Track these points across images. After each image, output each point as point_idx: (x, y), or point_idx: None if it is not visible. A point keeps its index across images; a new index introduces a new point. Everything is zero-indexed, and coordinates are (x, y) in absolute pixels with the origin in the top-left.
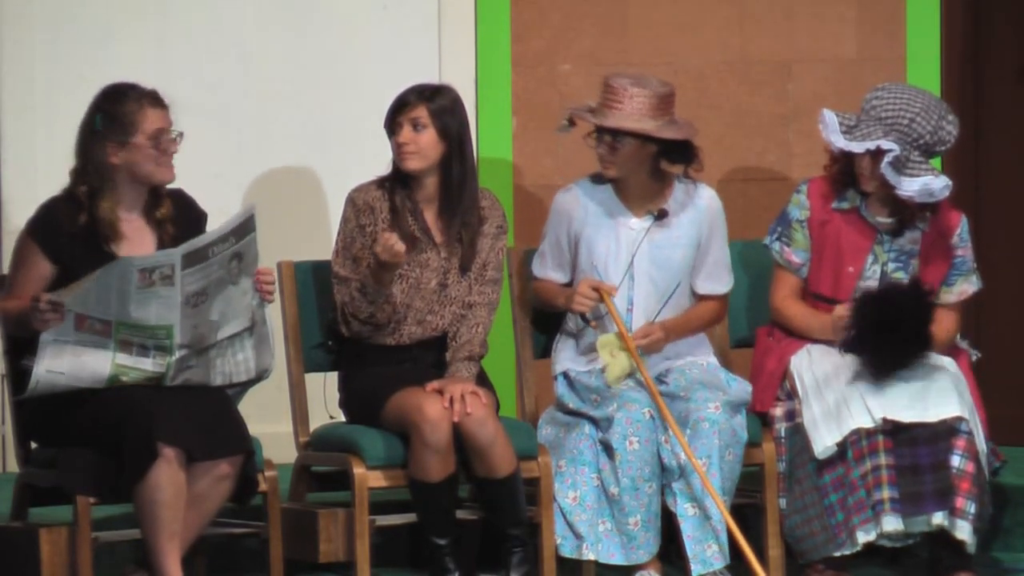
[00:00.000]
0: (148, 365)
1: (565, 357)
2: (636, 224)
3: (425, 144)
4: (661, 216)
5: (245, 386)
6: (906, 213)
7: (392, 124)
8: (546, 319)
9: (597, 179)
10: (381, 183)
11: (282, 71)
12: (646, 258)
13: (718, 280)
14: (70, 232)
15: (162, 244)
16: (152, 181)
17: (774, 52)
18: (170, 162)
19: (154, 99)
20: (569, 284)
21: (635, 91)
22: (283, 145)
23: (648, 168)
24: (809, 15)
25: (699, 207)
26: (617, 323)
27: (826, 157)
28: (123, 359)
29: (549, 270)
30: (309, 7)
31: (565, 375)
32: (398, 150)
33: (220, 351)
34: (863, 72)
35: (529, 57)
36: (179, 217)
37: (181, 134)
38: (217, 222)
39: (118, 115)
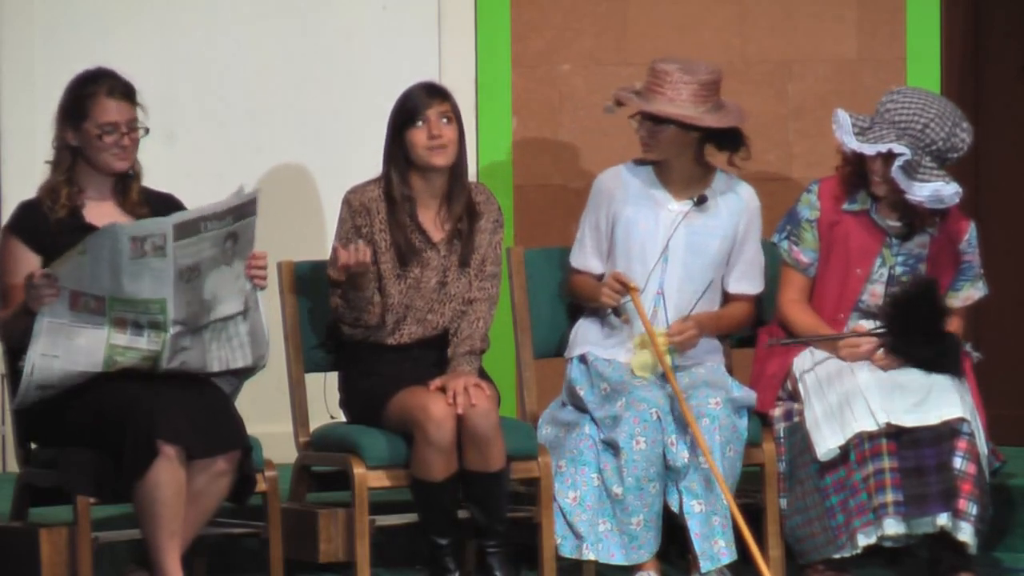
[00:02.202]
0: (143, 343)
1: (587, 339)
2: (675, 207)
3: (453, 138)
4: (701, 201)
5: (242, 376)
6: (916, 217)
7: (416, 118)
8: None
9: (640, 162)
10: (378, 183)
11: (282, 71)
12: (682, 243)
13: (751, 280)
14: (49, 222)
15: None
16: (102, 169)
17: (774, 52)
18: (124, 153)
19: (117, 91)
20: (603, 275)
21: (679, 76)
22: (283, 145)
23: (692, 154)
24: (809, 15)
25: (740, 201)
26: (643, 319)
27: (837, 158)
28: (118, 339)
29: (589, 257)
30: (309, 7)
31: (582, 358)
32: (430, 144)
33: (214, 334)
34: (863, 72)
35: (529, 57)
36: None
37: (146, 130)
38: None
39: (77, 98)
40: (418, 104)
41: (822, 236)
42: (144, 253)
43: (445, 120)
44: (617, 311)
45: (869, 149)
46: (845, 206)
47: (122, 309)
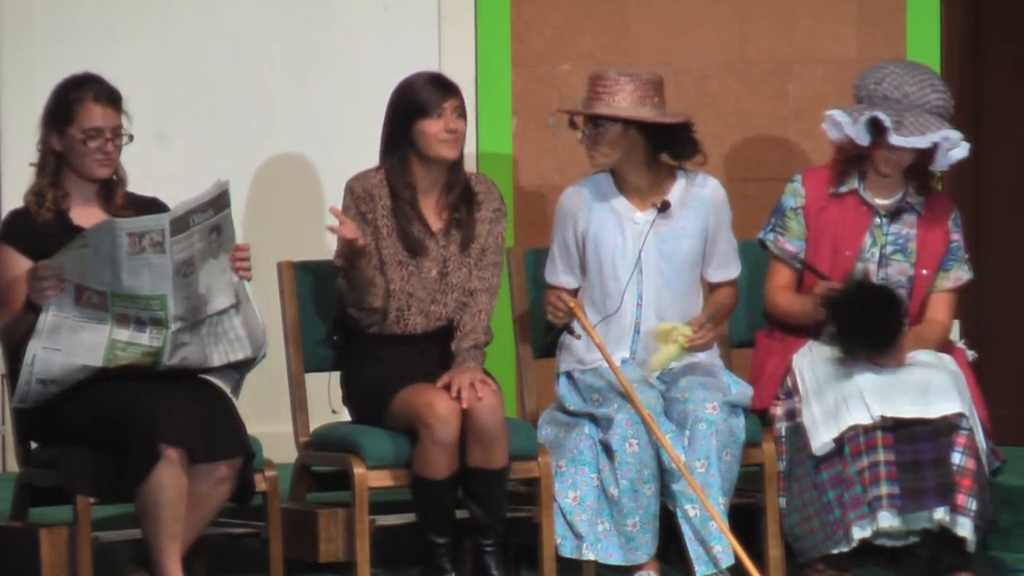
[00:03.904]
0: (145, 340)
1: (570, 357)
2: (641, 218)
3: (464, 131)
4: (664, 208)
5: (243, 368)
6: (927, 181)
7: (431, 111)
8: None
9: (597, 177)
10: (378, 170)
11: (282, 71)
12: (653, 251)
13: (729, 267)
14: (39, 226)
15: None
16: (85, 175)
17: (774, 52)
18: (107, 160)
19: (103, 96)
20: (578, 288)
21: (615, 78)
22: (283, 145)
23: (641, 158)
24: (809, 15)
25: (703, 198)
26: (592, 336)
27: (830, 149)
28: (120, 334)
29: (560, 275)
30: (309, 7)
31: (568, 375)
32: (446, 136)
33: (211, 328)
34: None
35: (529, 57)
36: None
37: (130, 137)
38: None
39: (62, 103)
40: (434, 96)
41: (809, 223)
42: (143, 249)
43: (458, 114)
44: (569, 328)
45: (923, 142)
46: (832, 190)
47: (123, 305)
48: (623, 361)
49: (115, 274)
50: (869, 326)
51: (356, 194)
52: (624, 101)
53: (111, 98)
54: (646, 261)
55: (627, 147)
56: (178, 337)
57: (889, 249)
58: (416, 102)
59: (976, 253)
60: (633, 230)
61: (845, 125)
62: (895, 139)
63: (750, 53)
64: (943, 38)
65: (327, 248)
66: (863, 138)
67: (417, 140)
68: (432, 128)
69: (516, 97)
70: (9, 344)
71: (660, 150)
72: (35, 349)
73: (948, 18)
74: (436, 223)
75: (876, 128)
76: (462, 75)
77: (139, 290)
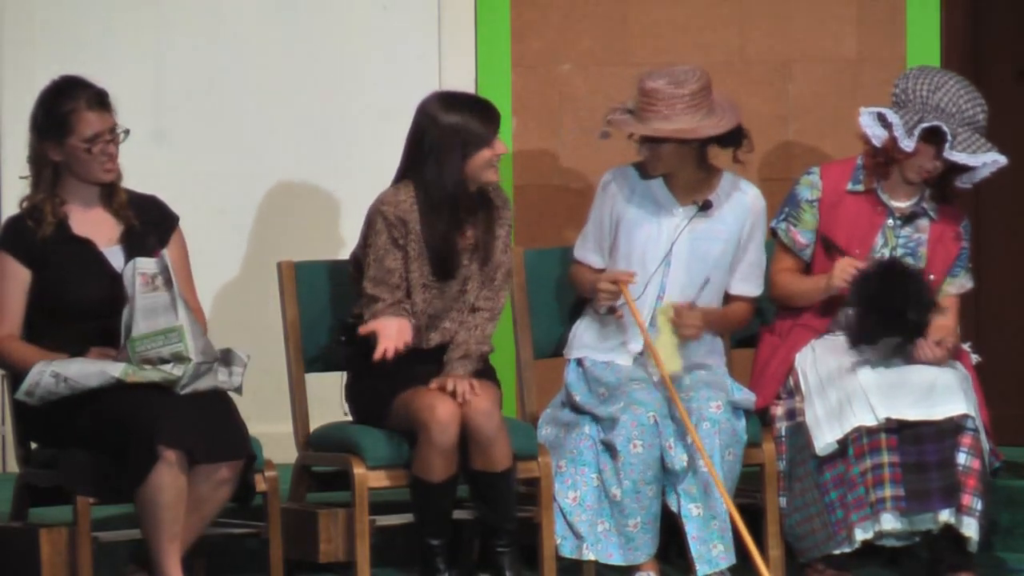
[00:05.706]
0: (168, 367)
1: (583, 343)
2: (680, 212)
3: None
4: (705, 207)
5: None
6: (946, 191)
7: (487, 142)
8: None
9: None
10: (405, 190)
11: (282, 71)
12: (685, 247)
13: (752, 282)
14: (37, 234)
15: (129, 231)
16: (91, 180)
17: (774, 52)
18: (110, 162)
19: (95, 101)
20: (603, 269)
21: (670, 91)
22: (282, 145)
23: (694, 160)
24: (809, 15)
25: (744, 204)
26: (634, 314)
27: (857, 144)
28: (144, 366)
29: (589, 252)
30: (309, 7)
31: (579, 362)
32: (493, 163)
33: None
34: (863, 72)
35: (529, 57)
36: (148, 218)
37: (127, 131)
38: (215, 222)
39: (56, 115)
40: (487, 128)
41: (823, 217)
42: (156, 288)
43: (499, 136)
44: (612, 308)
45: (975, 161)
46: (849, 187)
47: (144, 347)
48: (640, 355)
49: (129, 317)
50: (900, 305)
51: (389, 220)
52: (683, 114)
53: (101, 100)
54: (676, 256)
55: (683, 156)
56: (199, 368)
57: (900, 252)
58: (472, 136)
59: (976, 254)
60: (669, 223)
61: (896, 127)
62: (952, 155)
63: (750, 53)
64: (943, 38)
65: (327, 248)
66: (909, 145)
67: (467, 167)
68: (485, 156)
69: (516, 97)
70: (10, 371)
71: (708, 143)
72: (41, 377)
73: (948, 18)
74: (463, 242)
75: (926, 136)
76: (462, 75)
77: (154, 327)
